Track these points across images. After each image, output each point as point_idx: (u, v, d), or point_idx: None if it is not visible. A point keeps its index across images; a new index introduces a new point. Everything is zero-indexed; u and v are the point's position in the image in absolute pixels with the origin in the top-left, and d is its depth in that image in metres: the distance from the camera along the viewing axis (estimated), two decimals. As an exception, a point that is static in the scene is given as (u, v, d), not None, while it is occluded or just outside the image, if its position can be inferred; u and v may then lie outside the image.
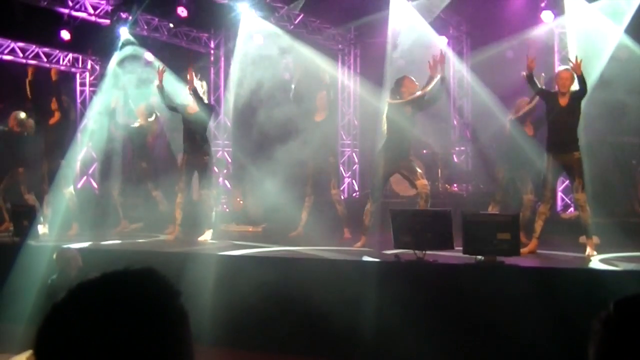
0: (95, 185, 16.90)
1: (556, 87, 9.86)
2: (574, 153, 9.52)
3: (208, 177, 11.78)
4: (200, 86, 11.74)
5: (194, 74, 11.65)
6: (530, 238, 9.81)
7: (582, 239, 9.63)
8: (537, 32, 14.57)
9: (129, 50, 15.71)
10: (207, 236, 11.54)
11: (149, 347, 1.35)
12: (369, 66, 16.97)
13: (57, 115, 12.62)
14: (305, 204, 12.12)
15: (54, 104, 12.71)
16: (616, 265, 8.72)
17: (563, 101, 9.64)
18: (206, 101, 12.00)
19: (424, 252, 8.60)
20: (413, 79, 10.88)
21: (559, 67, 10.49)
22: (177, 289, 1.44)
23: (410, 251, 8.72)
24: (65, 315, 1.37)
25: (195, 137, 11.62)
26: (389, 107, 10.76)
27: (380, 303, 8.18)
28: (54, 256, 8.90)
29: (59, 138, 12.55)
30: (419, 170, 10.80)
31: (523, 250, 9.31)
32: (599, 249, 9.47)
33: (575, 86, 9.65)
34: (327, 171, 12.06)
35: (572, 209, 13.35)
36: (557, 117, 9.65)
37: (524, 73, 9.92)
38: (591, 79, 11.36)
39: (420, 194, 10.56)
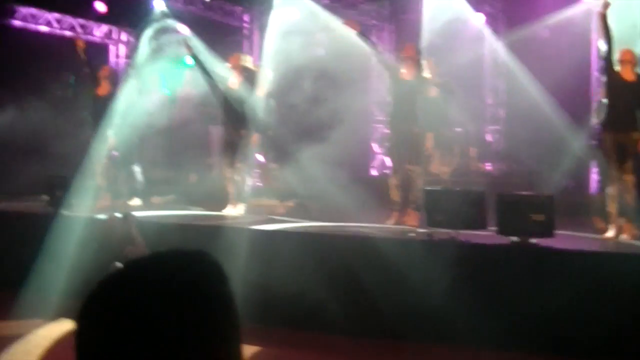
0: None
1: (620, 65, 9.66)
2: (631, 133, 9.41)
3: (244, 151, 11.79)
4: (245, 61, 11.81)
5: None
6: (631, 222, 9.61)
7: (621, 220, 9.51)
8: (575, 11, 14.39)
9: (163, 23, 15.70)
10: (239, 210, 11.58)
11: (194, 330, 1.33)
12: (404, 42, 16.84)
13: (105, 85, 12.67)
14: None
15: (104, 71, 12.82)
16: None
17: (628, 76, 9.51)
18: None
19: (457, 231, 8.57)
20: (416, 46, 10.95)
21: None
22: (226, 274, 1.42)
23: (444, 230, 8.69)
24: (112, 292, 1.35)
25: (235, 112, 11.66)
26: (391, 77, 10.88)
27: (413, 281, 8.15)
28: (102, 224, 9.00)
29: (106, 109, 12.54)
30: (410, 154, 10.68)
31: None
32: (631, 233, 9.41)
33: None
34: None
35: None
36: (618, 94, 9.53)
37: (601, 10, 9.68)
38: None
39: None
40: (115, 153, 12.59)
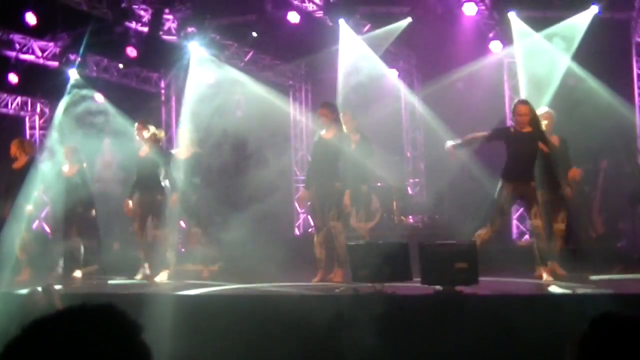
0: (47, 229, 16.64)
1: (514, 120, 9.95)
2: (530, 183, 9.64)
3: (162, 217, 11.71)
4: (152, 132, 11.78)
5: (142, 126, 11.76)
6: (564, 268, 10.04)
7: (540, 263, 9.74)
8: (486, 62, 14.73)
9: (78, 93, 15.60)
10: (163, 277, 11.45)
11: None
12: (321, 101, 16.96)
13: (20, 158, 12.46)
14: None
15: (14, 148, 12.59)
16: (573, 290, 8.79)
17: (526, 129, 9.73)
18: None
19: (382, 284, 8.57)
20: (330, 105, 11.03)
21: (515, 100, 10.56)
22: (139, 324, 1.37)
23: (370, 284, 8.68)
24: (20, 355, 1.29)
25: (148, 178, 11.60)
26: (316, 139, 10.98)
27: (341, 337, 8.10)
28: (24, 299, 8.74)
29: (22, 181, 12.35)
30: (332, 211, 10.65)
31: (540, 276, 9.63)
32: (555, 275, 9.57)
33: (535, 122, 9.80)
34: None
35: (527, 236, 13.44)
36: (516, 146, 9.74)
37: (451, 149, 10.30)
38: (542, 106, 11.49)
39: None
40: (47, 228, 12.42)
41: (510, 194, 9.78)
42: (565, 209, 10.46)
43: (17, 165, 12.47)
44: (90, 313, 1.35)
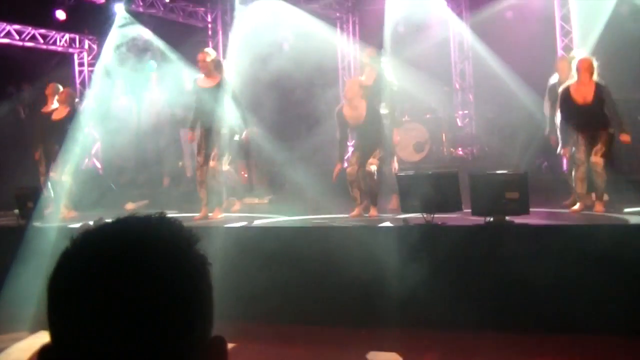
0: (98, 165, 16.82)
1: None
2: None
3: (221, 151, 11.29)
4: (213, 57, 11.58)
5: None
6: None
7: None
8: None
9: (125, 28, 15.64)
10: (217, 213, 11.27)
11: (167, 298, 1.25)
12: (369, 33, 16.83)
13: (63, 109, 12.54)
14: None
15: (49, 89, 12.67)
16: (626, 221, 8.68)
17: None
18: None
19: (432, 215, 8.54)
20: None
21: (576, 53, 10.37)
22: (195, 234, 1.34)
23: (419, 215, 8.66)
24: (75, 263, 1.27)
25: (211, 112, 11.14)
26: None
27: (392, 268, 8.11)
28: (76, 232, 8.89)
29: (58, 125, 12.50)
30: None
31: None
32: (608, 206, 9.46)
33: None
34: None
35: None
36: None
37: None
38: (593, 35, 11.28)
39: None
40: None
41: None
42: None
43: (56, 116, 12.50)
44: (142, 221, 1.33)
